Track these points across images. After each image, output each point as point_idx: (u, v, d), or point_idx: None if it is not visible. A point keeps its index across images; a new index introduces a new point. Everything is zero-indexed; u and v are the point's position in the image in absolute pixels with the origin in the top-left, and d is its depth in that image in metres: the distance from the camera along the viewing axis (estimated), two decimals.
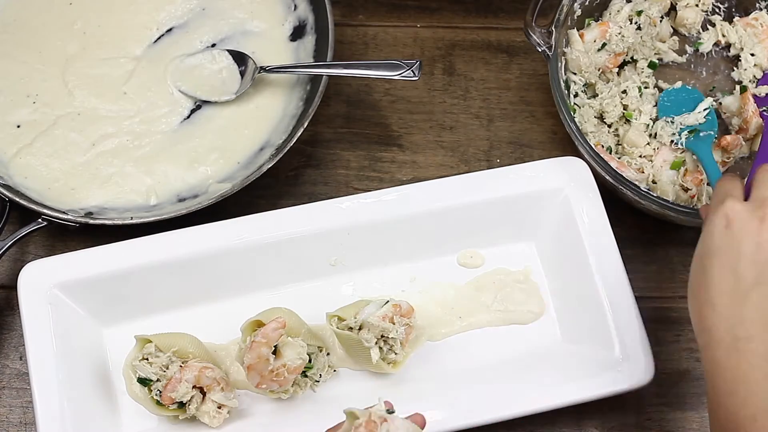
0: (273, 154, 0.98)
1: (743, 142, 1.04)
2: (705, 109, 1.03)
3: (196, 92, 1.05)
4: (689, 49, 1.12)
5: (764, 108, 1.04)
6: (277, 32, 1.09)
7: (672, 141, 1.03)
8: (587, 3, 1.06)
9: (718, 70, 1.11)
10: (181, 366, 0.88)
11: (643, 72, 1.08)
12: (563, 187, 0.96)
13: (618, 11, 1.07)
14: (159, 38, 1.07)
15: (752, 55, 1.09)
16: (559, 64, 1.02)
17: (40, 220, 0.95)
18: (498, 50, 1.13)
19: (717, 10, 1.12)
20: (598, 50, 1.05)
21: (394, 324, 0.89)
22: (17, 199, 0.95)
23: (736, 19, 1.11)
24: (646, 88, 1.07)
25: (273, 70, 1.04)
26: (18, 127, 1.02)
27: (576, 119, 1.01)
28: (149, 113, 1.04)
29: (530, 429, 0.94)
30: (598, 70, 1.06)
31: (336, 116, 1.09)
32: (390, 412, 0.79)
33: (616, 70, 1.08)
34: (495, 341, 0.96)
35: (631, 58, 1.09)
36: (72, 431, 0.86)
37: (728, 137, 1.03)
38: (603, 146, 1.03)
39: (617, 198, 0.99)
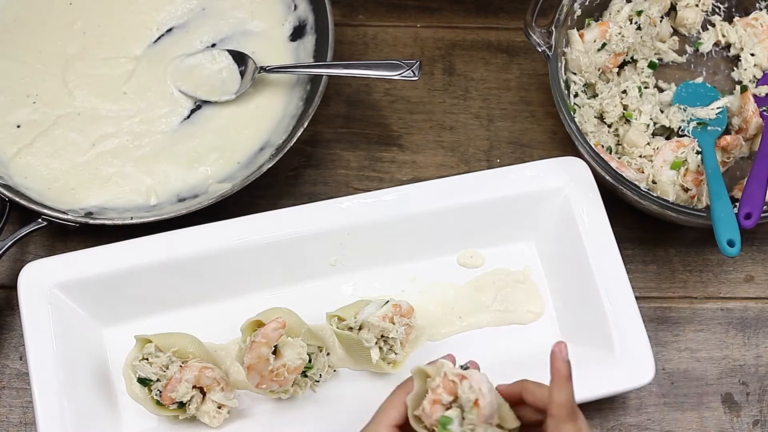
0: (273, 154, 0.98)
1: (743, 142, 1.04)
2: (718, 108, 1.04)
3: (196, 92, 1.05)
4: (689, 49, 1.12)
5: (764, 108, 1.04)
6: (277, 32, 1.09)
7: (680, 127, 1.04)
8: (587, 3, 1.06)
9: (718, 70, 1.11)
10: (181, 366, 0.88)
11: (643, 72, 1.08)
12: (563, 187, 0.96)
13: (618, 11, 1.07)
14: (159, 38, 1.07)
15: (752, 55, 1.09)
16: (559, 64, 1.02)
17: (40, 220, 0.95)
18: (498, 50, 1.13)
19: (717, 10, 1.12)
20: (598, 50, 1.05)
21: (394, 324, 0.89)
22: (17, 199, 0.95)
23: (736, 19, 1.11)
24: (646, 88, 1.07)
25: (273, 70, 1.04)
26: (18, 127, 1.02)
27: (576, 119, 1.01)
28: (149, 113, 1.04)
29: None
30: (598, 70, 1.06)
31: (336, 116, 1.09)
32: (464, 367, 0.78)
33: (616, 70, 1.08)
34: (495, 341, 0.96)
35: (631, 58, 1.09)
36: (72, 431, 0.86)
37: (728, 137, 1.03)
38: (603, 146, 1.03)
39: (617, 198, 0.99)
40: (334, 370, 0.93)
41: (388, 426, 0.76)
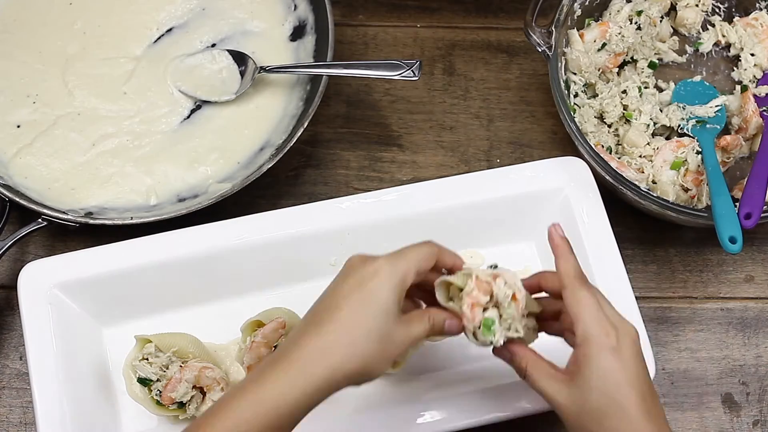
0: (273, 154, 0.98)
1: (743, 142, 1.04)
2: (717, 106, 1.04)
3: (196, 92, 1.05)
4: (689, 49, 1.12)
5: (764, 108, 1.04)
6: (277, 32, 1.09)
7: (679, 126, 1.04)
8: (587, 3, 1.06)
9: (718, 70, 1.11)
10: (181, 366, 0.88)
11: (643, 72, 1.08)
12: (563, 187, 0.96)
13: (618, 11, 1.07)
14: (159, 38, 1.08)
15: (752, 55, 1.09)
16: (559, 64, 1.02)
17: (40, 220, 0.95)
18: (498, 50, 1.13)
19: (717, 10, 1.12)
20: (598, 50, 1.05)
21: None
22: (17, 199, 0.95)
23: (736, 19, 1.11)
24: (646, 88, 1.07)
25: (273, 70, 1.04)
26: (18, 127, 1.02)
27: (576, 119, 1.01)
28: (149, 113, 1.04)
29: (530, 429, 0.94)
30: (598, 70, 1.06)
31: (336, 116, 1.09)
32: (493, 266, 0.82)
33: (616, 70, 1.08)
34: None
35: (631, 58, 1.09)
36: (72, 431, 0.86)
37: (728, 137, 1.03)
38: (603, 146, 1.03)
39: (617, 198, 0.99)
40: None
41: (414, 273, 0.77)
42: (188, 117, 1.04)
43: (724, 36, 1.11)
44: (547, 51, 1.01)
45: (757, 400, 0.98)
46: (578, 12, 1.05)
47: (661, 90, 1.08)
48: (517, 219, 0.98)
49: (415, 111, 1.10)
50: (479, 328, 0.80)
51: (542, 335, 0.86)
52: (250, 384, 0.71)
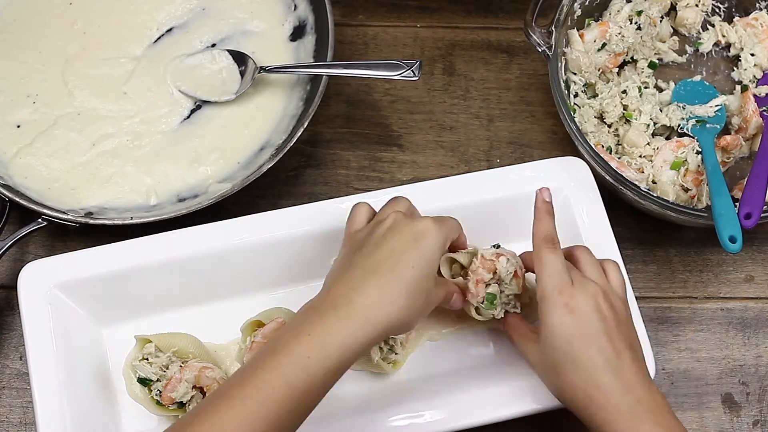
0: (273, 154, 0.98)
1: (743, 142, 1.04)
2: (717, 105, 1.04)
3: (196, 92, 1.05)
4: (689, 49, 1.12)
5: (764, 108, 1.04)
6: (277, 32, 1.09)
7: (679, 125, 1.04)
8: (587, 3, 1.06)
9: (718, 70, 1.11)
10: (181, 366, 0.88)
11: (643, 72, 1.08)
12: (563, 187, 0.96)
13: (618, 11, 1.07)
14: (159, 38, 1.08)
15: (752, 55, 1.09)
16: (559, 64, 1.02)
17: (40, 220, 0.95)
18: (498, 50, 1.13)
19: (717, 11, 1.12)
20: (598, 50, 1.05)
21: None
22: (17, 199, 0.95)
23: (736, 19, 1.11)
24: (646, 88, 1.07)
25: (273, 70, 1.04)
26: (18, 127, 1.02)
27: (576, 119, 1.01)
28: (149, 113, 1.04)
29: (530, 428, 0.94)
30: (598, 70, 1.06)
31: (336, 116, 1.09)
32: (496, 246, 0.90)
33: (616, 70, 1.08)
34: (495, 341, 0.96)
35: (631, 58, 1.09)
36: (72, 431, 0.86)
37: (728, 137, 1.03)
38: (603, 146, 1.03)
39: (617, 198, 1.00)
40: None
41: (450, 239, 0.84)
42: (188, 117, 1.04)
43: (724, 36, 1.11)
44: (547, 51, 1.01)
45: (757, 400, 0.98)
46: (578, 12, 1.05)
47: (661, 90, 1.08)
48: (517, 219, 0.98)
49: (415, 111, 1.10)
50: (483, 303, 0.87)
51: None
52: (310, 326, 0.74)
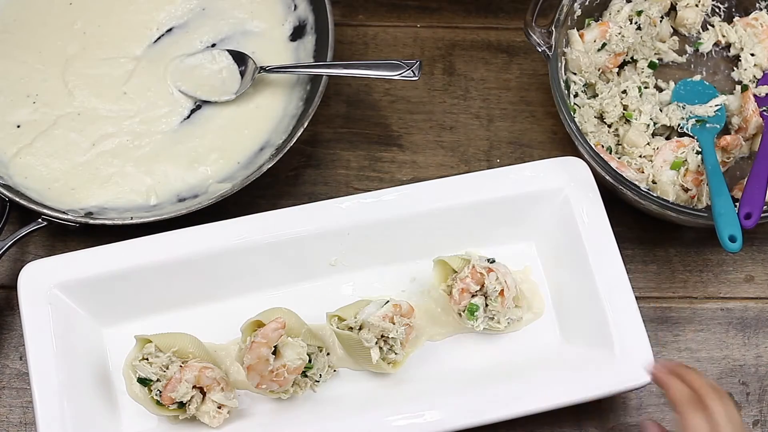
0: (273, 154, 0.98)
1: (743, 142, 1.04)
2: (717, 105, 1.04)
3: (196, 92, 1.05)
4: (689, 49, 1.12)
5: (764, 108, 1.04)
6: (277, 32, 1.09)
7: (679, 125, 1.04)
8: (587, 3, 1.06)
9: (718, 70, 1.11)
10: (181, 366, 0.88)
11: (643, 72, 1.08)
12: (563, 187, 0.96)
13: (618, 11, 1.07)
14: (159, 38, 1.07)
15: (752, 55, 1.09)
16: (559, 64, 1.02)
17: (40, 220, 0.95)
18: (498, 50, 1.13)
19: (717, 10, 1.12)
20: (598, 50, 1.05)
21: (394, 324, 0.89)
22: (17, 199, 0.95)
23: (736, 19, 1.11)
24: (646, 88, 1.07)
25: (273, 70, 1.04)
26: (18, 127, 1.02)
27: (576, 119, 1.01)
28: (149, 113, 1.04)
29: (530, 429, 0.94)
30: (598, 70, 1.06)
31: (336, 116, 1.09)
32: (491, 261, 0.91)
33: (616, 70, 1.08)
34: (495, 341, 0.96)
35: (631, 58, 1.09)
36: (72, 431, 0.86)
37: (728, 137, 1.03)
38: (603, 146, 1.03)
39: (617, 198, 0.99)
40: (334, 370, 0.93)
41: None
42: (188, 117, 1.04)
43: (724, 36, 1.11)
44: (547, 51, 1.01)
45: (757, 400, 0.98)
46: (578, 12, 1.05)
47: (661, 90, 1.08)
48: (517, 219, 0.98)
49: (415, 111, 1.10)
50: (464, 311, 0.89)
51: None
52: None
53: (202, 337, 0.92)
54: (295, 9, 1.09)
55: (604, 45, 1.05)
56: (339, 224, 0.94)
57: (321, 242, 0.95)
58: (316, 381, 0.91)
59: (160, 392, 0.87)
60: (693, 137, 1.03)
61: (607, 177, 0.96)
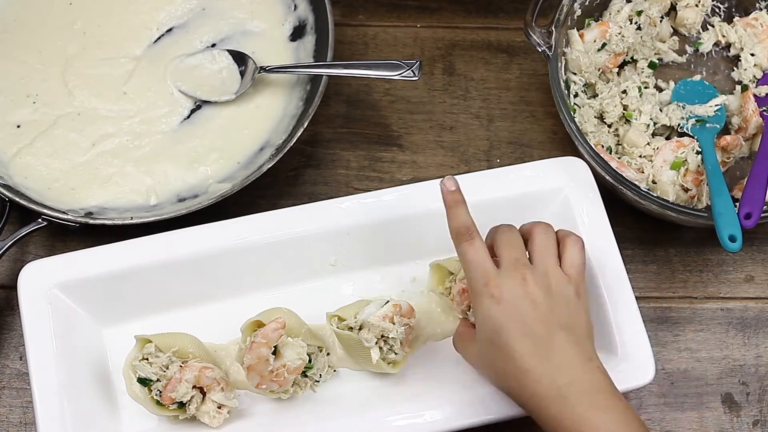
0: (273, 154, 0.98)
1: (743, 142, 1.04)
2: (716, 105, 1.04)
3: (196, 92, 1.05)
4: (689, 49, 1.12)
5: (764, 108, 1.04)
6: (277, 32, 1.09)
7: (679, 125, 1.04)
8: (587, 3, 1.06)
9: (718, 70, 1.11)
10: (181, 366, 0.88)
11: (643, 72, 1.08)
12: (563, 187, 0.96)
13: (618, 11, 1.07)
14: (159, 38, 1.07)
15: (752, 55, 1.09)
16: (559, 64, 1.02)
17: (40, 220, 0.95)
18: (498, 50, 1.13)
19: (717, 11, 1.12)
20: (598, 50, 1.05)
21: (394, 324, 0.89)
22: (17, 199, 0.95)
23: (736, 19, 1.11)
24: (646, 88, 1.07)
25: (273, 70, 1.04)
26: (18, 127, 1.02)
27: (576, 119, 1.01)
28: (149, 113, 1.04)
29: (530, 429, 0.94)
30: (598, 70, 1.06)
31: (336, 116, 1.09)
32: None
33: (616, 70, 1.08)
34: None
35: (631, 58, 1.09)
36: (72, 431, 0.86)
37: (728, 137, 1.03)
38: (603, 146, 1.03)
39: (617, 198, 1.00)
40: (334, 370, 0.93)
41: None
42: (188, 117, 1.04)
43: (724, 36, 1.11)
44: (547, 51, 1.01)
45: (757, 400, 0.98)
46: (578, 12, 1.05)
47: (661, 90, 1.08)
48: (517, 219, 0.98)
49: (415, 111, 1.10)
50: (468, 311, 0.88)
51: None
52: None
53: (202, 337, 0.92)
54: (295, 9, 1.09)
55: (604, 45, 1.05)
56: (339, 224, 0.94)
57: (321, 242, 0.95)
58: (316, 381, 0.91)
59: (160, 392, 0.87)
60: (693, 137, 1.03)
61: (607, 177, 0.96)
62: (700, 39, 1.12)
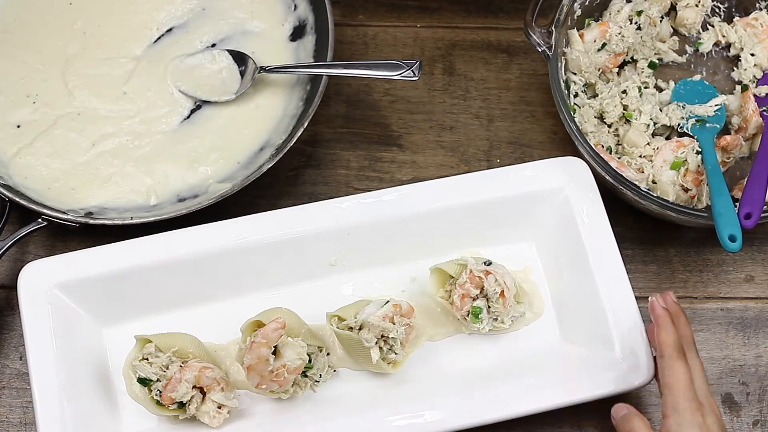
0: (273, 154, 0.98)
1: (743, 142, 1.04)
2: (716, 105, 1.04)
3: (196, 92, 1.05)
4: (689, 49, 1.12)
5: (764, 108, 1.04)
6: (277, 32, 1.09)
7: (679, 125, 1.04)
8: (587, 3, 1.06)
9: (718, 70, 1.11)
10: (181, 366, 0.88)
11: (643, 72, 1.08)
12: (563, 187, 0.96)
13: (618, 11, 1.07)
14: (159, 38, 1.07)
15: (752, 55, 1.09)
16: (559, 64, 1.02)
17: (40, 220, 0.95)
18: (498, 50, 1.13)
19: (717, 11, 1.12)
20: (598, 50, 1.05)
21: (394, 324, 0.89)
22: (17, 199, 0.95)
23: (736, 19, 1.11)
24: (646, 88, 1.07)
25: (273, 70, 1.04)
26: (18, 127, 1.02)
27: (576, 119, 1.01)
28: (149, 113, 1.04)
29: (530, 429, 0.94)
30: (598, 70, 1.06)
31: (336, 116, 1.09)
32: (487, 263, 0.92)
33: (616, 70, 1.08)
34: (495, 341, 0.96)
35: (631, 58, 1.09)
36: (72, 431, 0.86)
37: (728, 137, 1.03)
38: (603, 146, 1.03)
39: (617, 198, 1.00)
40: (334, 370, 0.93)
41: None
42: (188, 117, 1.04)
43: (724, 36, 1.11)
44: (547, 51, 1.01)
45: (757, 400, 0.98)
46: (578, 12, 1.05)
47: (661, 90, 1.08)
48: (517, 219, 0.98)
49: (415, 111, 1.10)
50: (468, 316, 0.89)
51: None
52: None
53: (202, 337, 0.92)
54: (295, 9, 1.09)
55: (604, 45, 1.05)
56: (339, 224, 0.94)
57: (321, 242, 0.95)
58: (316, 381, 0.91)
59: (160, 392, 0.87)
60: (693, 137, 1.03)
61: (607, 177, 0.96)
62: (700, 39, 1.12)
